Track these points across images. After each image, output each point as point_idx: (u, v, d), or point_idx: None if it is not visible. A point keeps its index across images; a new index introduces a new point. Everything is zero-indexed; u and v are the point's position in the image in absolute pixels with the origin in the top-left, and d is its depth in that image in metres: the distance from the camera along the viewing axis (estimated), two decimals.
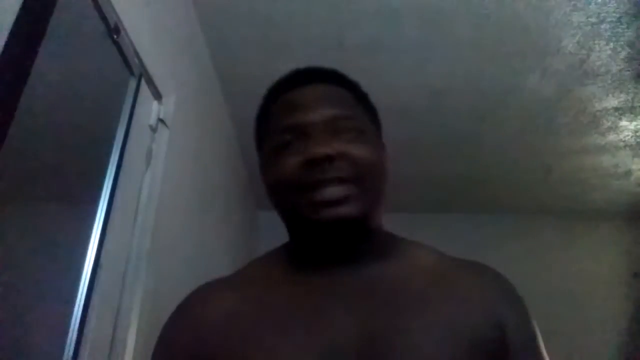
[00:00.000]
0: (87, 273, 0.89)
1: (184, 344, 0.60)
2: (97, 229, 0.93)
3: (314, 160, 0.57)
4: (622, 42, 1.62)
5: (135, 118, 1.08)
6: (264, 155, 0.68)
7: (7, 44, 0.61)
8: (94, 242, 0.92)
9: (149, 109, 1.19)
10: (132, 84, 1.09)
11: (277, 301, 0.60)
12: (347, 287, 0.59)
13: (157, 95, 1.21)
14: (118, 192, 0.99)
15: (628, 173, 2.55)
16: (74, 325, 0.84)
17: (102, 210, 0.95)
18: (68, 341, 0.82)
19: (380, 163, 0.63)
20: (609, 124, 2.11)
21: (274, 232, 0.82)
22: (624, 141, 2.25)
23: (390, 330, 0.54)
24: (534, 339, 0.60)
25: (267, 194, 0.67)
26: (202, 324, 0.60)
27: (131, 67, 1.07)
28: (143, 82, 1.13)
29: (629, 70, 1.76)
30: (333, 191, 0.57)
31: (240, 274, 0.69)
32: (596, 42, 1.63)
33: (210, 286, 0.67)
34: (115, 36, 0.96)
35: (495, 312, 0.58)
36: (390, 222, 0.70)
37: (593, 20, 1.53)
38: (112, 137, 1.02)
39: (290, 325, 0.56)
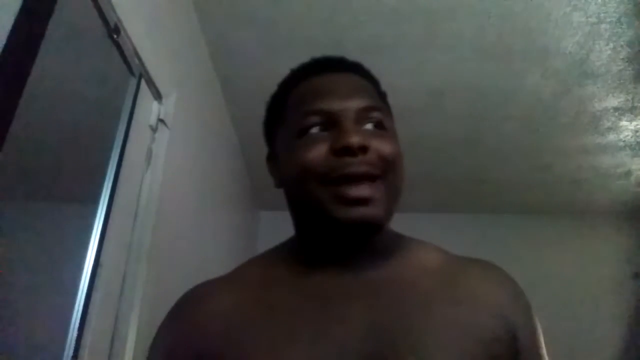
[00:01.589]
0: (87, 272, 0.89)
1: (181, 352, 0.56)
2: (97, 229, 0.93)
3: (349, 149, 0.53)
4: (622, 42, 1.62)
5: (135, 118, 1.08)
6: (281, 142, 0.62)
7: (7, 44, 0.61)
8: (94, 242, 0.92)
9: (149, 109, 1.19)
10: (132, 84, 1.10)
11: (280, 301, 0.57)
12: (354, 288, 0.57)
13: (157, 95, 1.21)
14: (118, 192, 0.99)
15: (628, 173, 2.55)
16: (74, 324, 0.84)
17: (102, 210, 0.95)
18: (68, 340, 0.83)
19: (402, 160, 0.59)
20: (609, 124, 2.11)
21: (274, 232, 0.81)
22: (624, 141, 2.24)
23: (399, 331, 0.52)
24: (539, 339, 0.60)
25: (282, 183, 0.62)
26: (200, 328, 0.56)
27: (131, 67, 1.07)
28: (143, 82, 1.13)
29: (629, 70, 1.76)
30: (363, 190, 0.53)
31: (238, 274, 0.64)
32: (596, 42, 1.62)
33: (205, 287, 0.62)
34: (115, 36, 0.96)
35: (505, 312, 0.57)
36: (391, 221, 0.69)
37: (593, 20, 1.53)
38: (112, 137, 1.02)
39: (297, 325, 0.53)
